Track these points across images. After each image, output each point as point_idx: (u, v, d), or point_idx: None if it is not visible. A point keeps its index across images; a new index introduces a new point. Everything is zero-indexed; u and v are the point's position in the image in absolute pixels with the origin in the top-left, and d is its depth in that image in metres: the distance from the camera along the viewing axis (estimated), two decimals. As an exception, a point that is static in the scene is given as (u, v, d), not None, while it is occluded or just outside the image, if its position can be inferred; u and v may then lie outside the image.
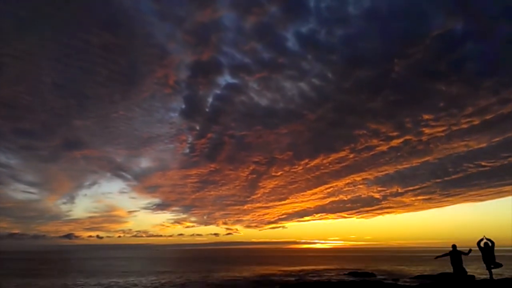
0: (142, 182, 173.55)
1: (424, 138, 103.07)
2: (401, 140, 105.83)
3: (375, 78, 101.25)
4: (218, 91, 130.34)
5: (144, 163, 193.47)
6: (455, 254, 16.81)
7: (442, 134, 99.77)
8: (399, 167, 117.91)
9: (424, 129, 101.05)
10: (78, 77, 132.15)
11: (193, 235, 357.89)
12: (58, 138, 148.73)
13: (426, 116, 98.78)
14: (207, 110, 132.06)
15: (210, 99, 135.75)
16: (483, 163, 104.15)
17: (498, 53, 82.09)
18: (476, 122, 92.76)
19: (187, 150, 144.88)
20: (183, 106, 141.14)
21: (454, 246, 17.11)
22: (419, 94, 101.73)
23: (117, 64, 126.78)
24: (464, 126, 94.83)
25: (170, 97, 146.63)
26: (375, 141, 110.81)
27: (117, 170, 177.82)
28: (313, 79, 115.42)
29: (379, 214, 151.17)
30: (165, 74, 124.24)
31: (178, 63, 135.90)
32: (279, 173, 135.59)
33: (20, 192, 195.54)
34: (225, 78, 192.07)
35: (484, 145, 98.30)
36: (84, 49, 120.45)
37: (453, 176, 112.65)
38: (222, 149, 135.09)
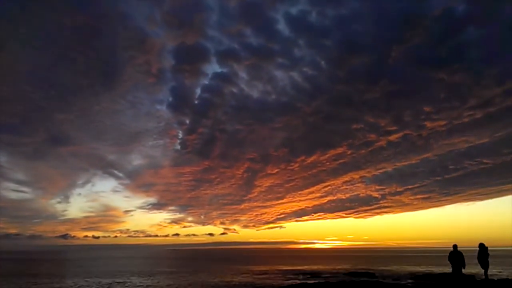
0: (135, 180, 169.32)
1: (424, 132, 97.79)
2: (400, 134, 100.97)
3: (371, 66, 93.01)
4: (206, 81, 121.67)
5: (135, 160, 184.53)
6: (455, 254, 16.86)
7: (443, 128, 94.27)
8: (398, 164, 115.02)
9: (424, 123, 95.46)
10: (54, 64, 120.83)
11: (190, 235, 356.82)
12: (42, 133, 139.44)
13: (426, 109, 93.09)
14: (196, 102, 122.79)
15: (198, 91, 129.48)
16: (484, 160, 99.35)
17: (502, 38, 74.29)
18: (479, 116, 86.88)
19: (179, 147, 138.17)
20: (170, 99, 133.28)
21: (455, 246, 17.14)
22: (418, 83, 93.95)
23: (94, 49, 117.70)
24: (466, 119, 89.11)
25: (155, 87, 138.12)
26: (373, 136, 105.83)
27: (107, 168, 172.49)
28: (305, 68, 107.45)
29: (377, 213, 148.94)
30: (146, 60, 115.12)
31: (160, 49, 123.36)
32: (275, 171, 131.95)
33: (11, 191, 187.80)
34: (212, 66, 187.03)
35: (485, 140, 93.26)
36: (57, 32, 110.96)
37: (453, 174, 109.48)
38: (214, 145, 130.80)
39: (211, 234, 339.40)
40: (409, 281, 26.02)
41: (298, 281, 25.78)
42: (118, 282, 28.38)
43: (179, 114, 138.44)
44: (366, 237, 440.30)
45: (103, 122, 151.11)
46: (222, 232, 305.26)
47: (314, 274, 33.67)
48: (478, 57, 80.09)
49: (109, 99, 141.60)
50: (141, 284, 27.52)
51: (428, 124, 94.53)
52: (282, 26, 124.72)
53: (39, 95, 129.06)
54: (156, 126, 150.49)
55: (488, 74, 79.99)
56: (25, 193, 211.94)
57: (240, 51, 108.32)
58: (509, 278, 23.14)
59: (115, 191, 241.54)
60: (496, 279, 20.82)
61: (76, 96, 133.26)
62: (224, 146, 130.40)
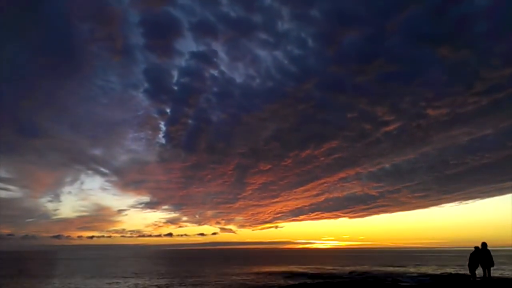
0: (122, 177, 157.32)
1: (423, 122, 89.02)
2: (397, 125, 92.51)
3: (364, 42, 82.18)
4: (182, 63, 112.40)
5: (118, 155, 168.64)
6: (484, 253, 15.29)
7: (445, 118, 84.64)
8: (396, 159, 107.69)
9: (423, 111, 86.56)
10: (2, 40, 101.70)
11: (186, 235, 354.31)
12: (7, 122, 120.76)
13: (426, 94, 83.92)
14: (174, 88, 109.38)
15: (175, 74, 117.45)
16: (486, 155, 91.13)
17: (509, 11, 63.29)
18: (484, 103, 76.38)
19: (163, 140, 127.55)
20: (146, 84, 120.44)
21: (484, 245, 15.39)
22: (418, 63, 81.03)
23: (45, 20, 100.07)
24: (470, 107, 79.70)
25: (125, 69, 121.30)
26: (369, 127, 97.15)
27: (90, 164, 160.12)
28: (290, 46, 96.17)
29: (375, 213, 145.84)
30: (109, 34, 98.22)
31: (123, 19, 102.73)
32: (267, 167, 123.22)
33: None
34: (187, 44, 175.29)
35: (489, 132, 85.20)
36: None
37: (453, 170, 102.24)
38: (200, 138, 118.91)
39: (205, 234, 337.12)
40: (410, 280, 26.01)
41: (298, 281, 25.73)
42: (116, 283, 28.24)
43: (157, 101, 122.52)
44: (362, 237, 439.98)
45: (75, 111, 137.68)
46: (218, 232, 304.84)
47: (315, 274, 33.63)
48: (484, 31, 67.74)
49: (76, 82, 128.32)
50: (137, 285, 27.38)
51: (429, 112, 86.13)
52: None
53: None
54: (135, 116, 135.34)
55: (496, 51, 68.98)
56: (12, 192, 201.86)
57: (216, 23, 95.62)
58: (509, 278, 23.19)
59: (103, 189, 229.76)
60: (495, 279, 20.84)
61: (38, 77, 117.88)
62: (210, 138, 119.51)
